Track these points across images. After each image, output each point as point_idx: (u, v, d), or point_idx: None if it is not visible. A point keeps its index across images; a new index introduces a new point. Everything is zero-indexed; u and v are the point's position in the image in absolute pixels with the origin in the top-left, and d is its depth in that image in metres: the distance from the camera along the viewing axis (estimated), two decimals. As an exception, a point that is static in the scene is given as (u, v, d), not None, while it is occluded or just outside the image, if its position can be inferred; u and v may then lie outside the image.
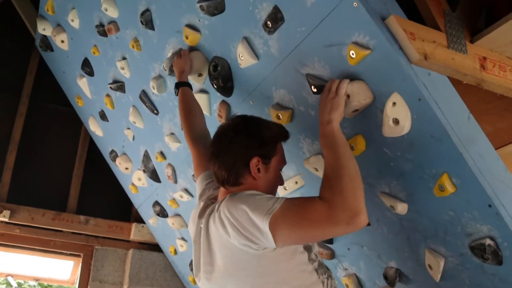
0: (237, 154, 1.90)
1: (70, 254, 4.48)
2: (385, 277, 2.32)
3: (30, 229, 4.26)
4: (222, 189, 1.98)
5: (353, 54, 1.85)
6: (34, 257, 4.50)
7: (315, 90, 2.07)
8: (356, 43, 1.84)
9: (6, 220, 4.12)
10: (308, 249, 1.89)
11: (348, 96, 1.92)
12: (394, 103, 1.83)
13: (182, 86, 2.55)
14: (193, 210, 2.11)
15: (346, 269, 2.53)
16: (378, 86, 1.87)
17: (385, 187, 2.08)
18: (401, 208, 2.05)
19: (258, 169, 1.90)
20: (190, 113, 2.48)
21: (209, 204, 2.02)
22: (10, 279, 4.81)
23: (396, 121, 1.84)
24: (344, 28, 1.86)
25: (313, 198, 1.70)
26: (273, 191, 2.00)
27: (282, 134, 2.01)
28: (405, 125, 1.83)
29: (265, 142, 1.94)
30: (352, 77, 1.92)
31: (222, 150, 1.92)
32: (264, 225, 1.67)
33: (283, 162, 2.01)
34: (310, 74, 2.08)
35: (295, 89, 2.19)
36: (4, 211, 4.10)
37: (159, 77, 2.96)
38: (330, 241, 2.48)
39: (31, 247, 4.36)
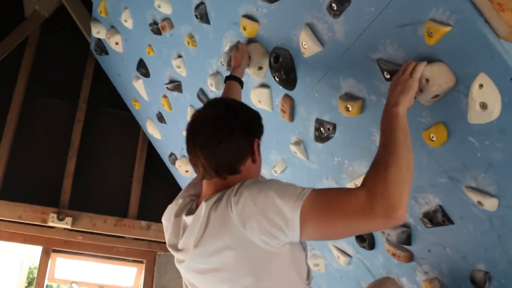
0: (240, 137, 1.72)
1: (133, 261, 4.46)
2: (472, 281, 2.10)
3: (92, 235, 4.28)
4: (211, 182, 1.75)
5: (431, 32, 1.66)
6: (97, 264, 4.49)
7: (388, 76, 1.89)
8: (434, 20, 1.65)
9: (69, 227, 4.15)
10: (308, 269, 1.74)
11: (427, 80, 1.72)
12: (481, 85, 1.62)
13: (230, 79, 2.41)
14: (170, 206, 1.90)
15: (427, 272, 2.32)
16: (461, 67, 1.66)
17: (471, 181, 1.86)
18: (491, 203, 1.83)
19: (253, 159, 1.75)
20: None
21: (188, 202, 1.83)
22: (74, 286, 4.81)
23: (483, 106, 1.63)
24: (420, 4, 1.67)
25: (352, 188, 1.55)
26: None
27: (260, 116, 1.87)
28: (495, 110, 1.62)
29: (259, 124, 1.83)
30: (431, 59, 1.72)
31: (222, 136, 1.69)
32: (294, 212, 1.50)
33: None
34: (381, 59, 1.89)
35: (365, 76, 2.01)
36: (66, 218, 4.11)
37: (217, 73, 2.84)
38: (408, 241, 2.28)
39: (94, 254, 4.37)
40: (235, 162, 1.71)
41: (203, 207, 1.67)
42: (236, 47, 2.54)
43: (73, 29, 4.60)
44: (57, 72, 4.62)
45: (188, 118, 3.27)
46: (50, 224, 4.08)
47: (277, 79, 2.40)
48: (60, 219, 4.07)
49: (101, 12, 3.71)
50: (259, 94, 2.59)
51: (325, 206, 1.52)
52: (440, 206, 2.06)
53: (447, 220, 2.06)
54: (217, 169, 1.70)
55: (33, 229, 4.13)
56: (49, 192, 4.21)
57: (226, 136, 1.70)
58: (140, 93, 3.86)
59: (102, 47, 4.06)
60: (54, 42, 4.69)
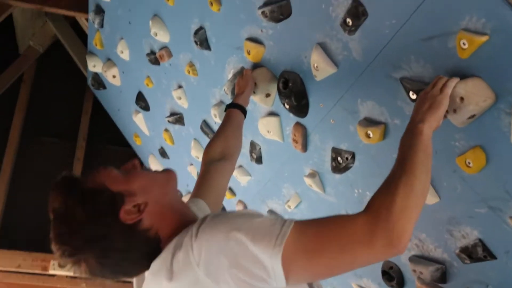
0: (111, 234, 1.37)
1: (141, 305, 4.24)
2: (521, 322, 1.87)
3: (96, 281, 4.05)
4: None
5: (464, 44, 1.46)
6: (103, 312, 4.31)
7: (413, 96, 1.68)
8: (467, 30, 1.45)
9: (71, 274, 3.98)
10: (310, 284, 1.49)
11: (461, 99, 1.51)
12: (526, 101, 1.42)
13: (231, 107, 2.22)
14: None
15: (466, 313, 2.09)
16: (502, 81, 1.46)
17: (516, 210, 1.65)
18: (541, 236, 1.61)
19: (137, 207, 1.40)
20: (221, 135, 2.15)
21: None
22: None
23: (530, 125, 1.43)
24: (450, 12, 1.48)
25: (349, 215, 1.33)
26: (180, 206, 1.60)
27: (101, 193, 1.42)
28: (544, 129, 1.42)
29: (98, 193, 1.39)
30: (465, 74, 1.52)
31: (96, 244, 1.36)
32: (274, 260, 1.23)
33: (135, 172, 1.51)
34: (405, 77, 1.70)
35: (387, 98, 1.82)
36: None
37: (221, 103, 2.66)
38: (443, 279, 2.06)
39: (100, 302, 4.18)
40: (141, 247, 1.41)
41: (163, 257, 1.37)
42: (240, 73, 2.37)
43: (69, 64, 4.51)
44: (54, 109, 4.54)
45: (192, 153, 3.10)
46: (51, 272, 3.92)
47: (287, 106, 2.23)
48: (62, 266, 3.88)
49: (96, 45, 3.58)
50: (267, 124, 2.41)
51: (314, 243, 1.27)
52: (480, 240, 1.83)
53: (488, 255, 1.83)
54: (143, 266, 1.44)
55: (33, 278, 3.97)
56: (49, 238, 4.02)
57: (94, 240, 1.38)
58: (140, 128, 3.72)
59: (99, 81, 3.92)
60: (50, 78, 4.62)
